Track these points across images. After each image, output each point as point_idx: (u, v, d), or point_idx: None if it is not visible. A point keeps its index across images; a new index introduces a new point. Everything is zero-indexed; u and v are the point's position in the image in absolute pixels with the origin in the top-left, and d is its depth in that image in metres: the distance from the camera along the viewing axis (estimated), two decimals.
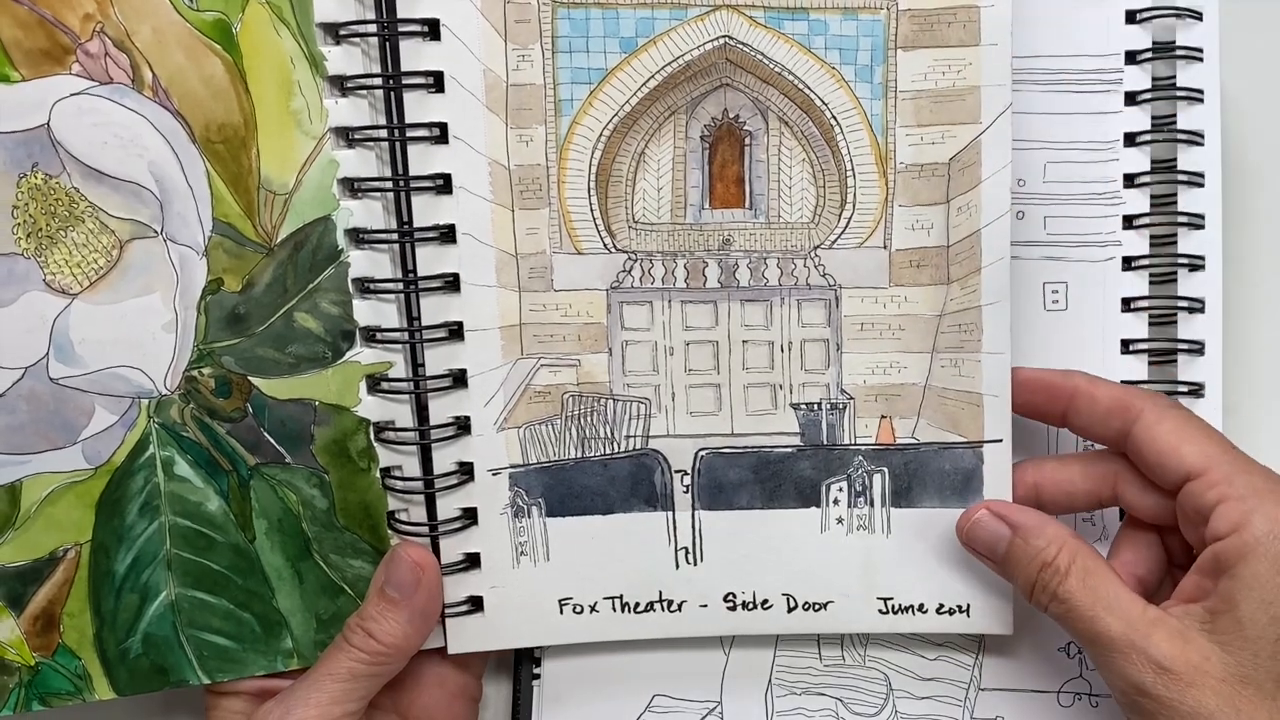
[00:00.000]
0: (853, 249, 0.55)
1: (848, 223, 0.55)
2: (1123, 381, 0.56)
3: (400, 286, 0.53)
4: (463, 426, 0.54)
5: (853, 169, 0.54)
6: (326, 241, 0.52)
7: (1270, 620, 0.47)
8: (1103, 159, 0.57)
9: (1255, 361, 0.61)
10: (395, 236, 0.52)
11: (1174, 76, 0.57)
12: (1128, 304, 0.57)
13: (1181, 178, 0.57)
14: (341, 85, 0.52)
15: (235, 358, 0.53)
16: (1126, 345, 0.57)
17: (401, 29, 0.51)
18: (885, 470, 0.56)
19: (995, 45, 0.53)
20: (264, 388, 0.53)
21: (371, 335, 0.53)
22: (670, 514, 0.56)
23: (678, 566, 0.56)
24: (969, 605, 0.56)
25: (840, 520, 0.56)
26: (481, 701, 0.59)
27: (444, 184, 0.52)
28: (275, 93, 0.51)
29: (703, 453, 0.56)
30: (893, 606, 0.56)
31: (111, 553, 0.53)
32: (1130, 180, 0.57)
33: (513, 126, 0.53)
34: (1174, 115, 0.57)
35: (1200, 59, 0.56)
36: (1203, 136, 0.57)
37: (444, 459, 0.54)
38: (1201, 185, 0.57)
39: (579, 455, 0.55)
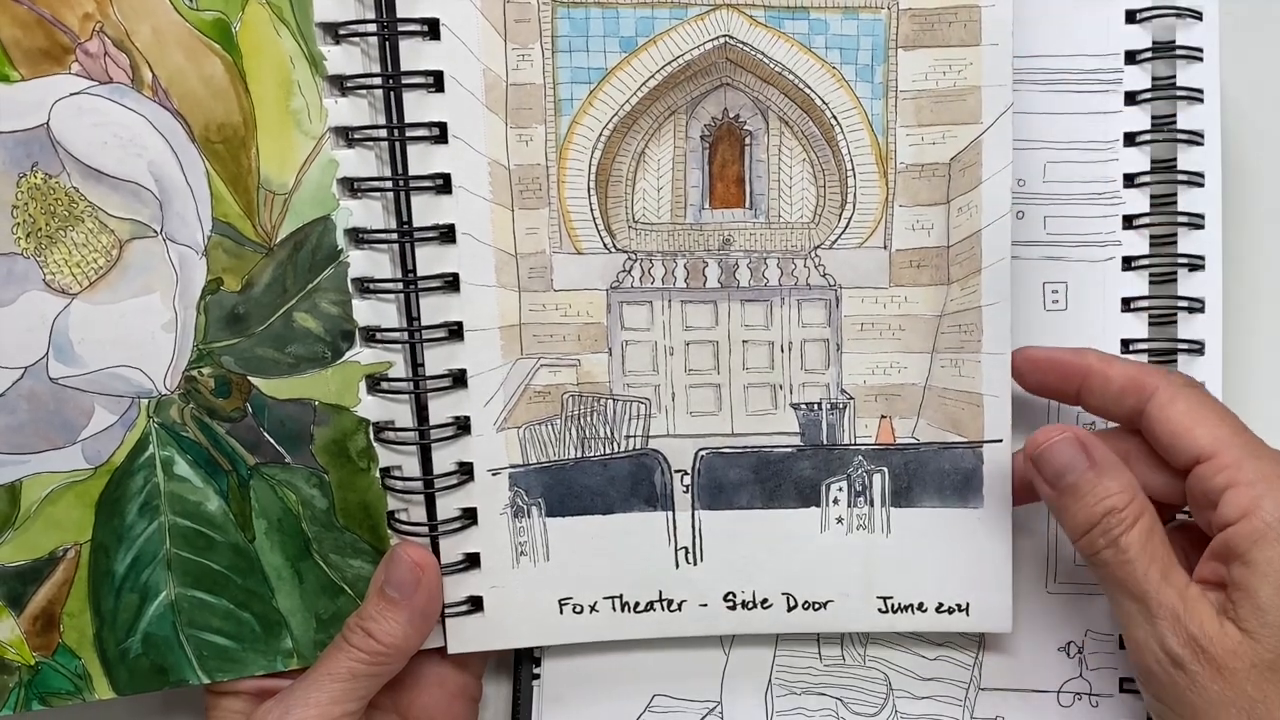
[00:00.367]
0: (853, 249, 0.55)
1: (848, 223, 0.55)
2: None
3: (400, 286, 0.53)
4: (462, 426, 0.54)
5: (853, 169, 0.54)
6: (326, 241, 0.52)
7: None
8: (1103, 159, 0.57)
9: (1255, 361, 0.61)
10: (395, 236, 0.52)
11: (1174, 76, 0.57)
12: (1128, 304, 0.57)
13: (1181, 178, 0.57)
14: (341, 85, 0.52)
15: (235, 357, 0.53)
16: (1126, 345, 0.57)
17: (401, 28, 0.51)
18: (885, 470, 0.56)
19: (996, 45, 0.53)
20: (264, 388, 0.53)
21: (371, 335, 0.53)
22: (670, 514, 0.56)
23: (678, 566, 0.56)
24: (968, 604, 0.56)
25: (840, 520, 0.56)
26: (481, 701, 0.59)
27: (444, 184, 0.52)
28: (275, 92, 0.51)
29: (703, 452, 0.56)
30: (892, 605, 0.56)
31: (111, 552, 0.53)
32: (1130, 180, 0.57)
33: (512, 126, 0.53)
34: (1174, 115, 0.57)
35: (1200, 59, 0.56)
36: (1203, 136, 0.57)
37: (444, 459, 0.54)
38: (1201, 185, 0.57)
39: (579, 455, 0.55)
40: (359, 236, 0.52)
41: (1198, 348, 0.57)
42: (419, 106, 0.52)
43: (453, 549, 0.55)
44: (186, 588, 0.54)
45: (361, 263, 0.53)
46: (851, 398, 0.56)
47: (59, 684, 0.53)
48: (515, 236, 0.54)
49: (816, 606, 0.56)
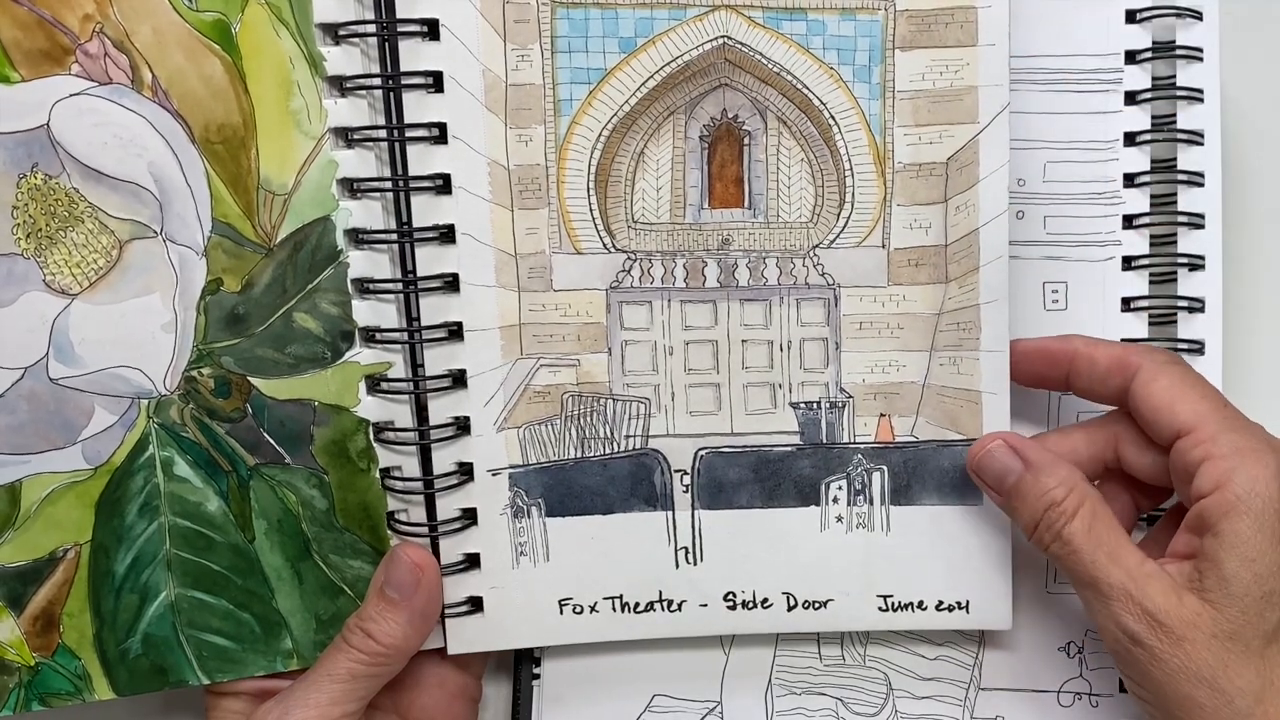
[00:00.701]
0: (851, 248, 0.55)
1: (846, 222, 0.55)
2: None
3: (399, 287, 0.53)
4: (462, 427, 0.54)
5: (851, 168, 0.54)
6: (326, 242, 0.52)
7: (1254, 578, 0.47)
8: (1102, 159, 0.57)
9: (1255, 361, 0.61)
10: (394, 237, 0.52)
11: (1174, 76, 0.57)
12: (1128, 304, 0.57)
13: (1181, 177, 0.57)
14: (341, 85, 0.52)
15: (235, 358, 0.53)
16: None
17: (401, 29, 0.51)
18: (884, 468, 0.56)
19: (993, 46, 0.53)
20: (263, 388, 0.53)
21: (371, 335, 0.53)
22: (670, 513, 0.56)
23: (678, 566, 0.56)
24: (968, 601, 0.56)
25: (840, 518, 0.56)
26: (481, 702, 0.59)
27: (443, 184, 0.52)
28: (274, 93, 0.51)
29: (702, 452, 0.56)
30: (892, 604, 0.56)
31: (111, 553, 0.53)
32: (1130, 180, 0.57)
33: (512, 126, 0.53)
34: (1174, 115, 0.57)
35: (1200, 59, 0.56)
36: (1203, 136, 0.57)
37: (443, 459, 0.54)
38: (1201, 185, 0.57)
39: (579, 455, 0.55)
40: (359, 237, 0.52)
41: (1198, 348, 0.57)
42: (418, 107, 0.52)
43: (452, 549, 0.55)
44: (186, 588, 0.54)
45: (361, 263, 0.53)
46: (850, 396, 0.56)
47: (59, 684, 0.54)
48: (515, 237, 0.54)
49: (816, 605, 0.56)
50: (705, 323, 0.55)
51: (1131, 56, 0.57)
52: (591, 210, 0.54)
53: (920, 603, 0.56)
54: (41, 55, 0.50)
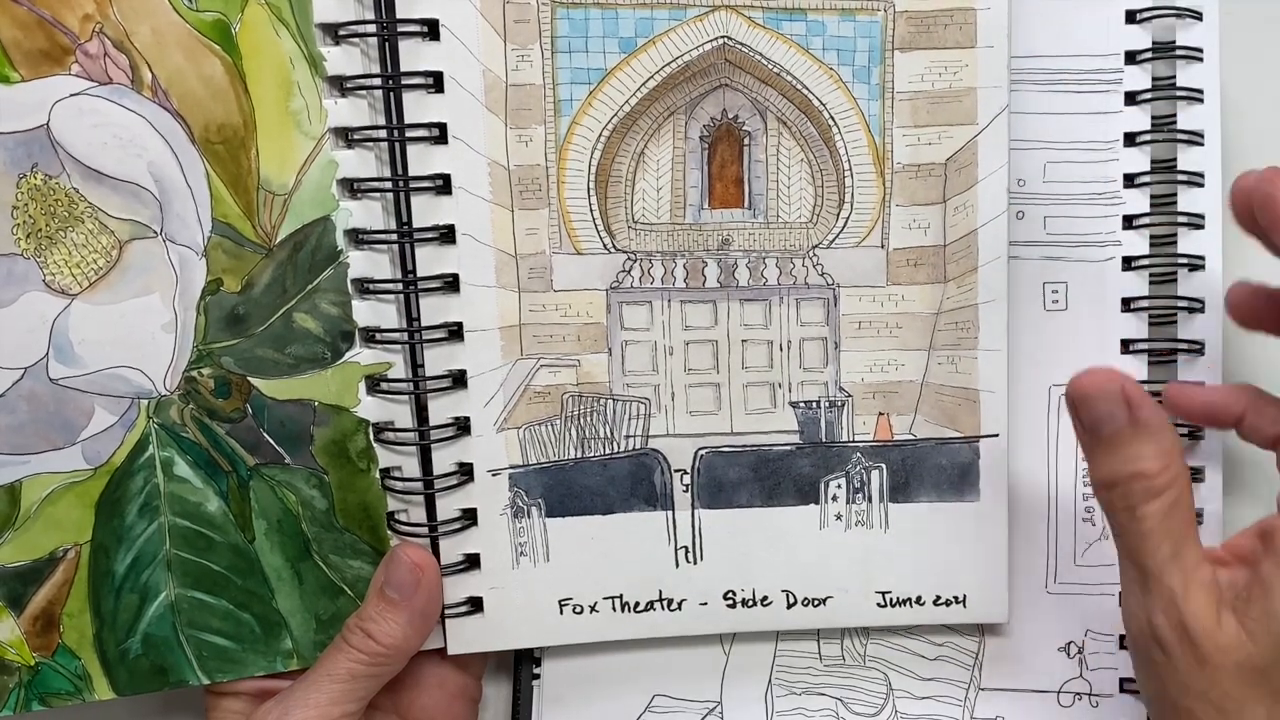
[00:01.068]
0: (850, 248, 0.55)
1: (845, 222, 0.55)
2: None
3: (400, 287, 0.53)
4: (462, 427, 0.54)
5: (850, 169, 0.54)
6: (326, 242, 0.52)
7: None
8: (1103, 159, 0.57)
9: (1255, 362, 0.61)
10: (395, 237, 0.52)
11: (1174, 76, 0.57)
12: (1128, 304, 0.57)
13: (1181, 178, 0.57)
14: (341, 85, 0.52)
15: (235, 358, 0.53)
16: (1126, 345, 0.57)
17: (401, 29, 0.51)
18: (883, 466, 0.56)
19: (991, 47, 0.53)
20: (263, 388, 0.53)
21: (371, 336, 0.53)
22: (670, 513, 0.56)
23: (677, 565, 0.56)
24: (965, 596, 0.56)
25: (839, 516, 0.56)
26: (481, 702, 0.59)
27: (443, 184, 0.52)
28: (274, 93, 0.51)
29: (702, 452, 0.56)
30: (891, 600, 0.56)
31: (111, 553, 0.53)
32: (1130, 180, 0.57)
33: (512, 127, 0.53)
34: (1174, 115, 0.57)
35: (1200, 59, 0.56)
36: (1203, 136, 0.57)
37: (443, 459, 0.54)
38: (1201, 185, 0.57)
39: (579, 455, 0.55)
40: (359, 237, 0.52)
41: (1198, 348, 0.57)
42: (418, 107, 0.52)
43: (452, 550, 0.55)
44: (186, 588, 0.54)
45: (361, 263, 0.53)
46: (850, 395, 0.56)
47: (59, 684, 0.54)
48: (515, 237, 0.54)
49: (816, 603, 0.56)
50: (705, 323, 0.56)
51: (1131, 57, 0.57)
52: (592, 210, 0.54)
53: (918, 598, 0.56)
54: (41, 55, 0.50)
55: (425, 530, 0.54)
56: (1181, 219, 0.57)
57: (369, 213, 0.53)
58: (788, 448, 0.56)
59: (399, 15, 0.51)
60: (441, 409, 0.54)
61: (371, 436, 0.54)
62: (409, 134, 0.52)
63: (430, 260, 0.53)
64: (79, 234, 0.51)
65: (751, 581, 0.56)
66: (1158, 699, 0.48)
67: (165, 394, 0.53)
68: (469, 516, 0.55)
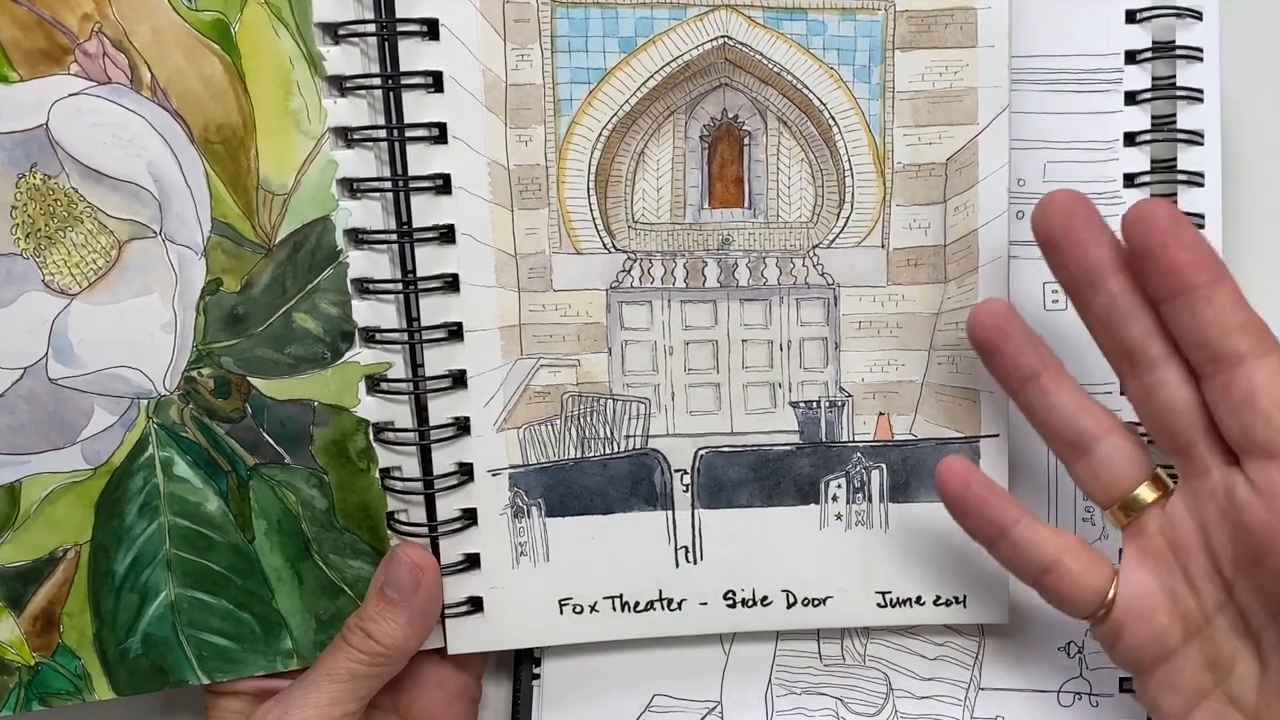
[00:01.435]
0: (851, 248, 0.55)
1: (846, 222, 0.55)
2: None
3: (399, 287, 0.53)
4: (462, 427, 0.54)
5: (851, 169, 0.54)
6: (325, 242, 0.52)
7: None
8: (1103, 159, 0.57)
9: None
10: (394, 237, 0.52)
11: (1174, 76, 0.57)
12: None
13: (1181, 178, 0.57)
14: (340, 85, 0.52)
15: (234, 358, 0.53)
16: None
17: (400, 29, 0.51)
18: (883, 466, 0.56)
19: (992, 47, 0.53)
20: (263, 388, 0.53)
21: (371, 336, 0.53)
22: (670, 513, 0.56)
23: (677, 565, 0.56)
24: (965, 596, 0.56)
25: (839, 516, 0.56)
26: (481, 701, 0.59)
27: (443, 184, 0.52)
28: (274, 93, 0.51)
29: (702, 452, 0.56)
30: (891, 600, 0.56)
31: (111, 553, 0.53)
32: (1130, 180, 0.57)
33: (512, 126, 0.53)
34: (1174, 115, 0.57)
35: (1200, 59, 0.56)
36: (1203, 136, 0.56)
37: (443, 459, 0.54)
38: (1201, 185, 0.57)
39: (578, 455, 0.55)
40: (358, 237, 0.52)
41: None
42: (418, 107, 0.52)
43: (452, 549, 0.55)
44: (186, 588, 0.54)
45: (361, 263, 0.53)
46: (850, 395, 0.56)
47: (59, 684, 0.54)
48: (515, 237, 0.54)
49: (816, 603, 0.56)
50: (705, 322, 0.56)
51: (1131, 56, 0.57)
52: (591, 210, 0.54)
53: (918, 598, 0.56)
54: (40, 55, 0.50)
55: (425, 530, 0.54)
56: None
57: (369, 212, 0.53)
58: (788, 448, 0.56)
59: (398, 15, 0.51)
60: (441, 409, 0.54)
61: (371, 436, 0.54)
62: (409, 134, 0.52)
63: (430, 260, 0.53)
64: (78, 234, 0.51)
65: (751, 581, 0.56)
66: None
67: (165, 394, 0.53)
68: (469, 516, 0.55)
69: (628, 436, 0.56)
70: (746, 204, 0.55)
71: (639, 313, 0.55)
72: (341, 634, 0.52)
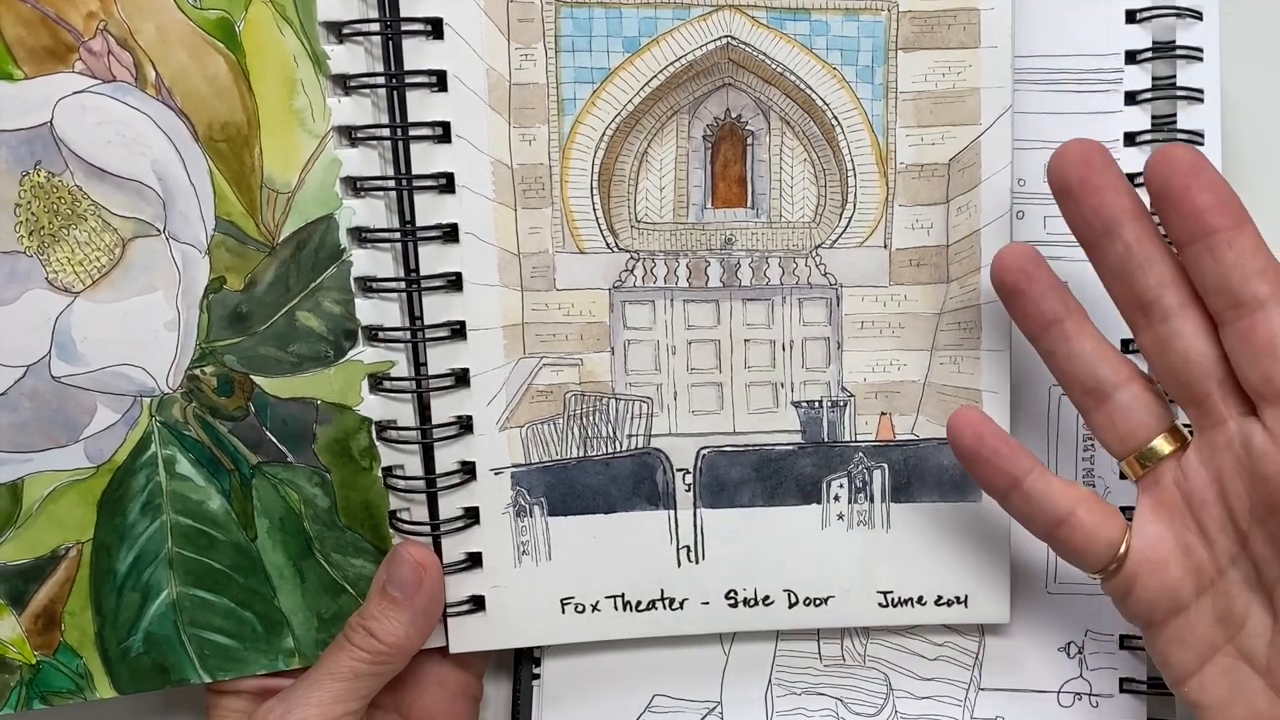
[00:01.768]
0: (853, 248, 0.55)
1: (848, 222, 0.55)
2: None
3: (403, 285, 0.53)
4: (465, 426, 0.54)
5: (854, 169, 0.55)
6: (329, 240, 0.52)
7: None
8: None
9: None
10: (398, 235, 0.52)
11: (1174, 76, 0.57)
12: None
13: None
14: (344, 84, 0.52)
15: (237, 356, 0.53)
16: (1126, 345, 0.57)
17: (404, 28, 0.51)
18: (885, 466, 0.56)
19: (995, 48, 0.53)
20: (266, 386, 0.53)
21: (374, 334, 0.53)
22: (672, 512, 0.56)
23: (679, 565, 0.56)
24: (966, 596, 0.56)
25: (841, 516, 0.56)
26: (481, 701, 0.59)
27: (446, 183, 0.52)
28: (278, 91, 0.51)
29: (704, 451, 0.56)
30: (892, 600, 0.56)
31: (113, 551, 0.53)
32: (1130, 180, 0.57)
33: (515, 126, 0.53)
34: (1174, 115, 0.57)
35: (1200, 59, 0.56)
36: (1203, 136, 0.57)
37: (446, 458, 0.54)
38: None
39: (581, 454, 0.56)
40: (362, 235, 0.52)
41: None
42: (422, 106, 0.52)
43: (455, 548, 0.55)
44: (188, 586, 0.54)
45: (364, 262, 0.53)
46: (852, 395, 0.56)
47: (60, 683, 0.54)
48: (518, 236, 0.54)
49: (817, 602, 0.56)
50: (708, 322, 0.56)
51: (1131, 56, 0.57)
52: (595, 210, 0.54)
53: (920, 598, 0.57)
54: (45, 53, 0.50)
55: (427, 529, 0.54)
56: None
57: (372, 211, 0.53)
58: (790, 447, 0.56)
59: (403, 14, 0.51)
60: (444, 408, 0.54)
61: (374, 435, 0.54)
62: (412, 133, 0.52)
63: (433, 259, 0.53)
64: (82, 232, 0.51)
65: (753, 581, 0.56)
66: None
67: (168, 392, 0.53)
68: (471, 515, 0.55)
69: (630, 436, 0.56)
70: (749, 204, 0.55)
71: (642, 312, 0.55)
72: (343, 632, 0.52)
